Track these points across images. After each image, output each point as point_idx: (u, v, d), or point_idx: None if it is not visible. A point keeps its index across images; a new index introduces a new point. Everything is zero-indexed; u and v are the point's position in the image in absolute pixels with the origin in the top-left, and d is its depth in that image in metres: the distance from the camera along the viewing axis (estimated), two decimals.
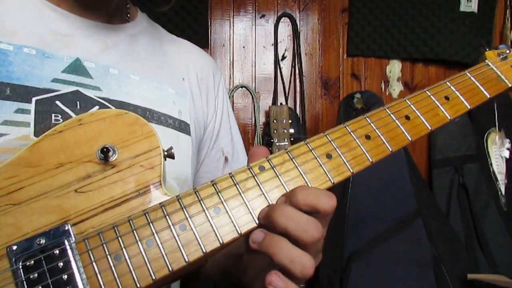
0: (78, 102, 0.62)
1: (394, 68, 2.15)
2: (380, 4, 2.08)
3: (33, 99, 0.58)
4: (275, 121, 1.83)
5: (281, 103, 1.98)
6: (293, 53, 2.12)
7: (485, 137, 2.04)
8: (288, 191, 0.51)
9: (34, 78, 0.59)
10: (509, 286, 1.64)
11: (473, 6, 2.08)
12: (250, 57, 2.11)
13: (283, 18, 2.12)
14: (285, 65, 2.13)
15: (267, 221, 0.48)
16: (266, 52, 2.12)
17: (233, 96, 2.08)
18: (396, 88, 2.16)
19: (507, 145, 1.99)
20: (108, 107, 0.64)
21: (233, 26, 2.10)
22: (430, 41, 2.09)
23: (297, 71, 2.12)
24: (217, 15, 2.09)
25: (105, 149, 0.49)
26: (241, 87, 2.09)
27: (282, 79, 2.11)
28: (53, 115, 0.59)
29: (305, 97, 2.12)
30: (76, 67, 0.64)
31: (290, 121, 1.84)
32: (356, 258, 1.74)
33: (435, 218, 1.84)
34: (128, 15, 0.78)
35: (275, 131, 1.83)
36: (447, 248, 1.80)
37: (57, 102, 0.60)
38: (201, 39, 2.04)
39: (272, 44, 2.12)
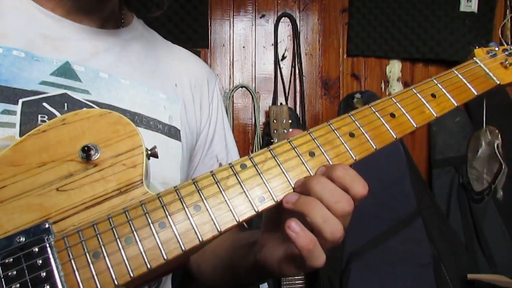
0: (65, 104, 0.62)
1: (394, 68, 2.14)
2: (380, 4, 2.08)
3: (20, 101, 0.59)
4: (275, 121, 1.83)
5: (281, 103, 1.98)
6: (293, 53, 2.12)
7: None
8: (270, 188, 0.51)
9: (22, 81, 0.60)
10: (509, 286, 1.63)
11: (473, 6, 2.07)
12: (250, 57, 2.11)
13: (283, 18, 2.12)
14: (285, 65, 2.13)
15: (303, 188, 0.51)
16: (266, 52, 2.12)
17: (233, 96, 2.09)
18: (396, 88, 2.15)
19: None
20: None
21: (233, 26, 2.10)
22: (430, 41, 2.08)
23: (297, 71, 2.12)
24: (217, 15, 2.09)
25: (86, 148, 0.49)
26: (241, 87, 2.10)
27: (282, 79, 2.11)
28: (39, 116, 0.59)
29: (305, 97, 2.12)
30: (65, 70, 0.64)
31: (290, 121, 1.84)
32: (356, 258, 1.74)
33: (435, 218, 1.84)
34: (123, 21, 0.78)
35: (275, 131, 1.83)
36: (447, 248, 1.80)
37: (44, 104, 0.60)
38: (201, 39, 2.04)
39: (272, 44, 2.12)
